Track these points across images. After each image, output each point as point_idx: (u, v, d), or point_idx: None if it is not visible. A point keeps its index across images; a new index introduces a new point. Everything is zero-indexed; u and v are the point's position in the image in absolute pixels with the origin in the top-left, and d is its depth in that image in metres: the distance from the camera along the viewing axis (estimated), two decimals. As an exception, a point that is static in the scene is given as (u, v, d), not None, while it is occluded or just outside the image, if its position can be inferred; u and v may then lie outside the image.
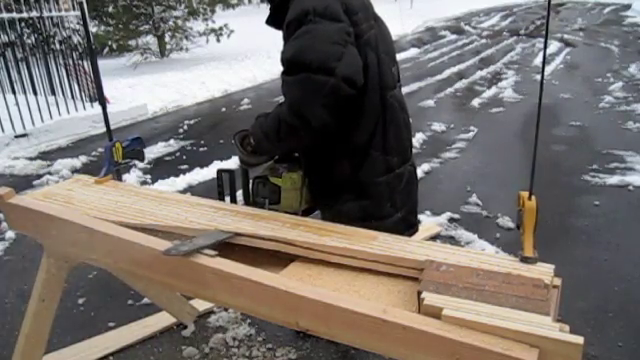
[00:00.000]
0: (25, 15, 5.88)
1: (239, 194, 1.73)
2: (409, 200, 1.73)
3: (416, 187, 1.79)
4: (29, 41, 6.23)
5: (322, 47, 1.35)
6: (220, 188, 1.78)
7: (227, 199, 1.75)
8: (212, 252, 1.32)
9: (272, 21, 1.63)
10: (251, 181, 1.68)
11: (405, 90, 7.17)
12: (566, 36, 12.68)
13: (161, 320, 2.37)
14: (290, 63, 1.38)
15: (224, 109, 6.85)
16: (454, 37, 13.47)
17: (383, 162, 1.59)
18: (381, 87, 1.56)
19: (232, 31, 11.19)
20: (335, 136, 1.51)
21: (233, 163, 4.29)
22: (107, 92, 5.93)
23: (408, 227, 1.72)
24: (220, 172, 1.77)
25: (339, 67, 1.34)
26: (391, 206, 1.63)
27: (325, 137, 1.49)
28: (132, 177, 4.28)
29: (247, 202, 1.70)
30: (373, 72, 1.51)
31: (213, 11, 11.45)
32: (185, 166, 4.62)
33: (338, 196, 1.62)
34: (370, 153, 1.57)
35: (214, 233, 1.41)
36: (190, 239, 1.38)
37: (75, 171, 4.59)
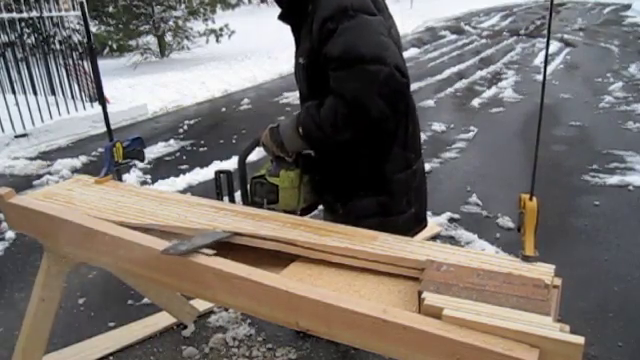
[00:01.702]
0: (25, 15, 5.88)
1: (237, 195, 1.73)
2: (421, 196, 1.76)
3: (426, 182, 1.82)
4: (29, 41, 6.23)
5: (371, 38, 1.38)
6: (218, 189, 1.78)
7: (225, 199, 1.75)
8: (210, 251, 1.31)
9: (285, 16, 1.62)
10: (249, 181, 1.68)
11: (405, 90, 7.17)
12: (566, 36, 12.67)
13: (161, 320, 2.37)
14: (343, 59, 1.39)
15: (224, 109, 6.85)
16: (454, 37, 13.47)
17: (403, 159, 1.62)
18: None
19: (233, 32, 11.19)
20: (383, 127, 1.53)
21: (233, 163, 4.29)
22: (107, 92, 5.92)
23: (419, 222, 1.75)
24: (218, 173, 1.77)
25: (390, 56, 1.37)
26: (407, 202, 1.66)
27: (380, 128, 1.51)
28: (132, 177, 4.29)
29: (245, 202, 1.70)
30: None
31: (213, 11, 11.45)
32: (185, 166, 4.62)
33: (356, 192, 1.63)
34: (393, 149, 1.60)
35: (212, 233, 1.41)
36: (189, 238, 1.38)
37: (75, 171, 4.59)
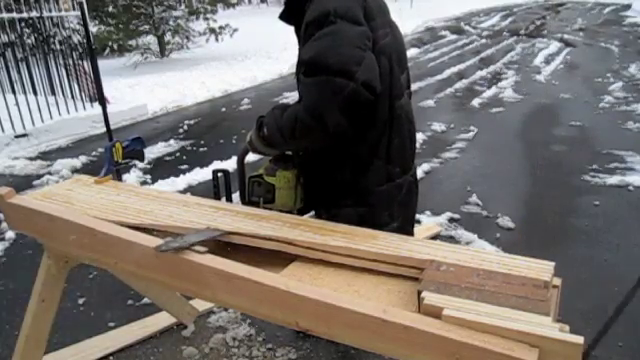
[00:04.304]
0: (25, 15, 5.88)
1: (235, 195, 1.73)
2: (407, 210, 1.72)
3: (415, 198, 1.77)
4: (29, 41, 6.23)
5: (343, 50, 1.33)
6: (216, 188, 1.78)
7: (223, 199, 1.75)
8: (202, 249, 1.31)
9: (285, 16, 1.61)
10: (247, 180, 1.68)
11: (405, 90, 7.17)
12: (566, 36, 12.68)
13: (161, 320, 2.37)
14: (310, 64, 1.35)
15: (224, 109, 6.85)
16: (454, 37, 13.47)
17: (385, 171, 1.58)
18: (390, 96, 1.55)
19: (236, 30, 11.18)
20: (342, 140, 1.50)
21: (233, 163, 4.29)
22: (107, 92, 5.93)
23: None
24: (215, 172, 1.77)
25: (359, 71, 1.31)
26: (388, 215, 1.62)
27: (338, 141, 1.47)
28: (132, 177, 4.29)
29: (244, 202, 1.70)
30: (385, 81, 1.49)
31: (214, 11, 11.46)
32: (185, 166, 4.62)
33: (336, 201, 1.61)
34: (373, 161, 1.56)
35: (206, 231, 1.41)
36: (181, 236, 1.38)
37: (75, 171, 4.59)
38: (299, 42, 1.58)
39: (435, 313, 1.04)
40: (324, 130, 1.38)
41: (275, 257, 1.38)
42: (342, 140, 1.48)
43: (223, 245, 1.41)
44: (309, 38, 1.39)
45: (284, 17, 1.62)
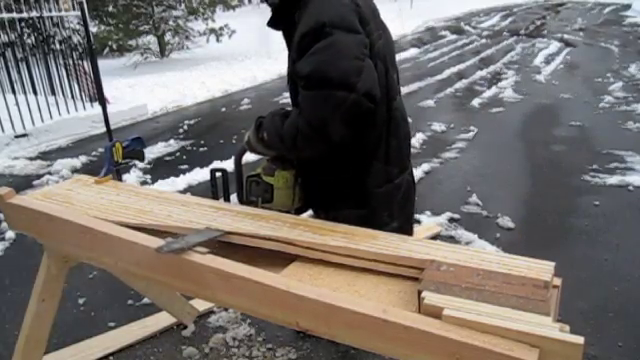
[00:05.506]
0: (25, 15, 5.88)
1: (234, 195, 1.73)
2: (406, 210, 1.72)
3: (413, 196, 1.78)
4: (29, 41, 6.24)
5: (343, 62, 1.33)
6: (214, 188, 1.78)
7: (221, 199, 1.75)
8: (204, 249, 1.31)
9: (273, 23, 1.61)
10: (245, 180, 1.68)
11: (405, 90, 7.17)
12: (566, 36, 12.68)
13: (161, 320, 2.37)
14: (310, 79, 1.35)
15: (224, 109, 6.86)
16: (454, 37, 13.48)
17: (384, 172, 1.59)
18: (387, 98, 1.56)
19: (234, 31, 11.19)
20: (342, 147, 1.51)
21: (232, 163, 4.28)
22: (107, 92, 5.93)
23: None
24: (213, 172, 1.77)
25: (360, 82, 1.32)
26: (388, 216, 1.63)
27: (339, 149, 1.47)
28: (132, 177, 4.29)
29: (241, 201, 1.70)
30: (381, 83, 1.49)
31: (213, 11, 11.47)
32: (185, 166, 4.62)
33: (336, 202, 1.61)
34: (372, 163, 1.57)
35: (207, 231, 1.41)
36: (182, 237, 1.38)
37: (75, 171, 4.59)
38: (288, 46, 1.58)
39: (435, 313, 1.04)
40: (327, 141, 1.39)
41: (275, 257, 1.38)
42: (343, 147, 1.49)
43: (223, 245, 1.41)
44: (304, 51, 1.38)
45: (272, 24, 1.62)
